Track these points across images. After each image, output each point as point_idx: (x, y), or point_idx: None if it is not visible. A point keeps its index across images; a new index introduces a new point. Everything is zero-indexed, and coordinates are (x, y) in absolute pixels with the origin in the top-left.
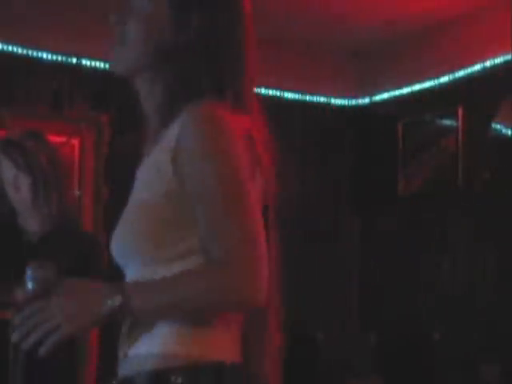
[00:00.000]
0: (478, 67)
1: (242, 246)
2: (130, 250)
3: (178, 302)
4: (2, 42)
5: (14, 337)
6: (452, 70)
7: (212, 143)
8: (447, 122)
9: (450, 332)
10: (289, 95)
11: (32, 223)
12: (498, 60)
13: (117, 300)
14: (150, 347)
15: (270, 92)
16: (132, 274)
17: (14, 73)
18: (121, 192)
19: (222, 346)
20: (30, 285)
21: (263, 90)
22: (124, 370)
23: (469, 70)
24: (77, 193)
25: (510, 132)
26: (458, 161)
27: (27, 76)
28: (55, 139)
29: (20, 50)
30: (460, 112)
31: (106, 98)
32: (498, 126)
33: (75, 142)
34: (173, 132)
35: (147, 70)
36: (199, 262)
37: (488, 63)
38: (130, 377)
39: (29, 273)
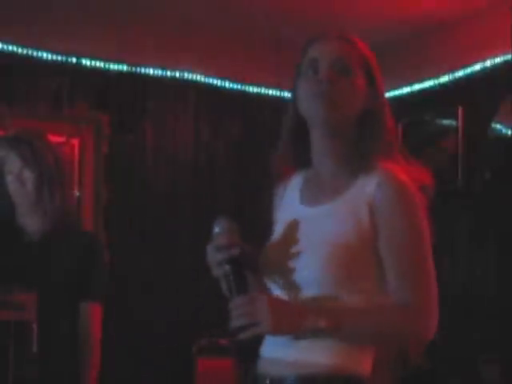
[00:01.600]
0: (477, 67)
1: (424, 293)
2: (322, 276)
3: (372, 332)
4: (1, 42)
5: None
6: (452, 70)
7: (406, 206)
8: (447, 122)
9: (450, 332)
10: (289, 95)
11: (33, 222)
12: (498, 60)
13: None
14: (320, 355)
15: (270, 92)
16: (311, 294)
17: (14, 73)
18: (121, 192)
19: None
20: (221, 237)
21: (263, 90)
22: (280, 369)
23: (469, 70)
24: (77, 193)
25: (510, 132)
26: (457, 161)
27: (27, 76)
28: (55, 139)
29: (20, 50)
30: (460, 112)
31: (106, 98)
32: (498, 126)
33: (75, 142)
34: (367, 186)
35: (344, 129)
36: (368, 301)
37: (488, 63)
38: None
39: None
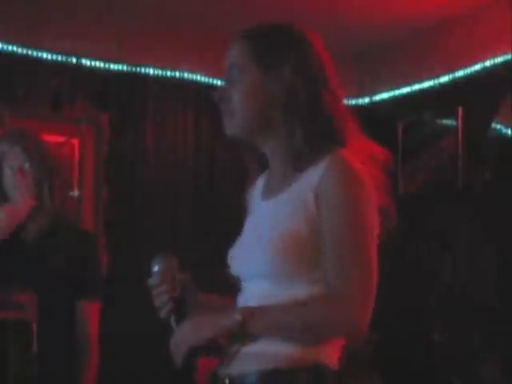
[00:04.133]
0: (477, 67)
1: (355, 284)
2: (269, 268)
3: (295, 326)
4: (1, 42)
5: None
6: (452, 70)
7: (348, 190)
8: (447, 122)
9: (450, 332)
10: None
11: (30, 220)
12: (498, 60)
13: (237, 316)
14: (280, 346)
15: None
16: (261, 288)
17: (14, 73)
18: (121, 192)
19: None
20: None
21: None
22: (239, 366)
23: (468, 70)
24: (77, 193)
25: (510, 132)
26: (457, 161)
27: (27, 76)
28: (55, 139)
29: (20, 50)
30: (460, 112)
31: (106, 98)
32: (498, 126)
33: (75, 141)
34: (314, 175)
35: (264, 129)
36: (320, 292)
37: (488, 63)
38: (252, 373)
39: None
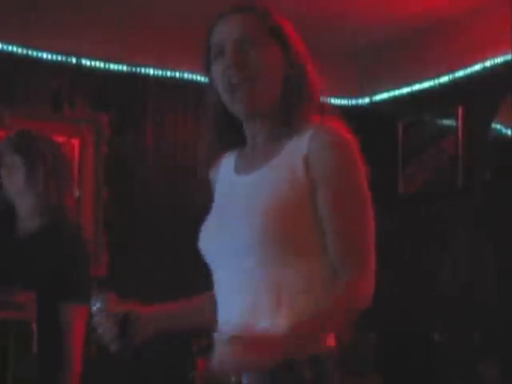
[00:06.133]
0: (477, 67)
1: (366, 257)
2: (263, 239)
3: (326, 330)
4: (1, 42)
5: None
6: (452, 70)
7: (340, 157)
8: (447, 122)
9: (450, 332)
10: None
11: (23, 216)
12: (498, 60)
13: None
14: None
15: None
16: (246, 266)
17: (13, 73)
18: (121, 192)
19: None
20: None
21: None
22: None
23: (468, 70)
24: (77, 193)
25: (510, 132)
26: (457, 161)
27: (27, 76)
28: (55, 139)
29: (20, 50)
30: (460, 112)
31: (105, 98)
32: (498, 126)
33: (75, 141)
34: (301, 143)
35: (268, 106)
36: (317, 263)
37: (488, 63)
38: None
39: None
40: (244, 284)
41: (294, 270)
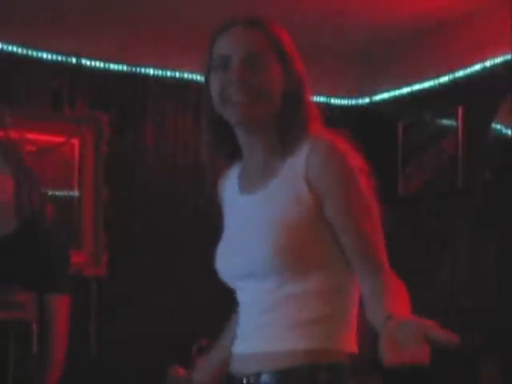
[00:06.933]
0: (477, 67)
1: (383, 254)
2: (274, 264)
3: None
4: (1, 42)
5: None
6: (452, 70)
7: (338, 167)
8: (447, 122)
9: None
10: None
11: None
12: (498, 60)
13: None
14: (296, 343)
15: None
16: (270, 284)
17: (13, 73)
18: (121, 192)
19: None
20: None
21: None
22: (255, 366)
23: (468, 70)
24: (77, 193)
25: (510, 132)
26: (457, 161)
27: (27, 76)
28: (55, 139)
29: (20, 50)
30: (460, 112)
31: (105, 98)
32: (498, 126)
33: (75, 141)
34: (298, 162)
35: (265, 122)
36: (320, 278)
37: (488, 63)
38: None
39: None
40: (267, 303)
41: (312, 284)
